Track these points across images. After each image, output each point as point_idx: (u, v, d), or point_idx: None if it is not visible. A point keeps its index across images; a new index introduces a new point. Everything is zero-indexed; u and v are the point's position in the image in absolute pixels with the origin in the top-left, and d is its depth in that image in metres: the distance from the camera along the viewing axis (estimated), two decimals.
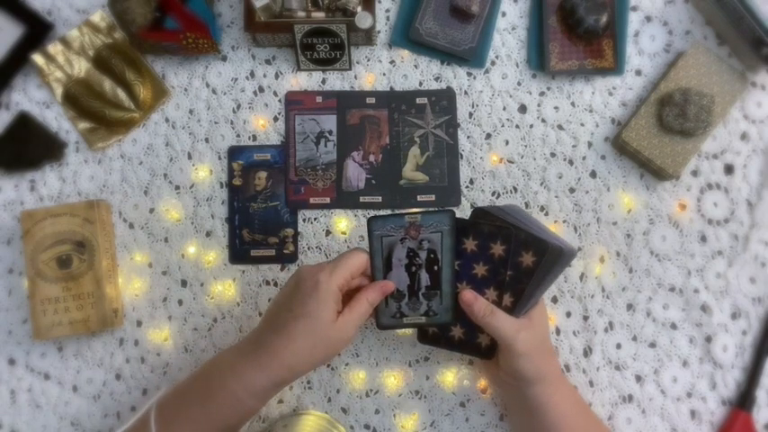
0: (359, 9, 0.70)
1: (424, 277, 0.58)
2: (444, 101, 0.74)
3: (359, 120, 0.74)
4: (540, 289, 0.60)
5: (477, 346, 0.62)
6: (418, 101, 0.74)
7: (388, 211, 0.73)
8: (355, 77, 0.75)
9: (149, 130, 0.75)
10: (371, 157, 0.74)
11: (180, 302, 0.73)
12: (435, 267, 0.58)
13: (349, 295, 0.57)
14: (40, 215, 0.70)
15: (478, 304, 0.58)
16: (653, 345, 0.70)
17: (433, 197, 0.73)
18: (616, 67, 0.72)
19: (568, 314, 0.71)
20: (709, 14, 0.72)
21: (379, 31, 0.75)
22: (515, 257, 0.57)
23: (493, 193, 0.73)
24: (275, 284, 0.73)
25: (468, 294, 0.58)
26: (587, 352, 0.70)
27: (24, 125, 0.75)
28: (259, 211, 0.73)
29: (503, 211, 0.60)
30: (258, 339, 0.56)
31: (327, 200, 0.73)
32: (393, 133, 0.74)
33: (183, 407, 0.57)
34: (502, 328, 0.57)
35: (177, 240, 0.74)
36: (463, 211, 0.72)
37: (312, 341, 0.54)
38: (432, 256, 0.58)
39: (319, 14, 0.71)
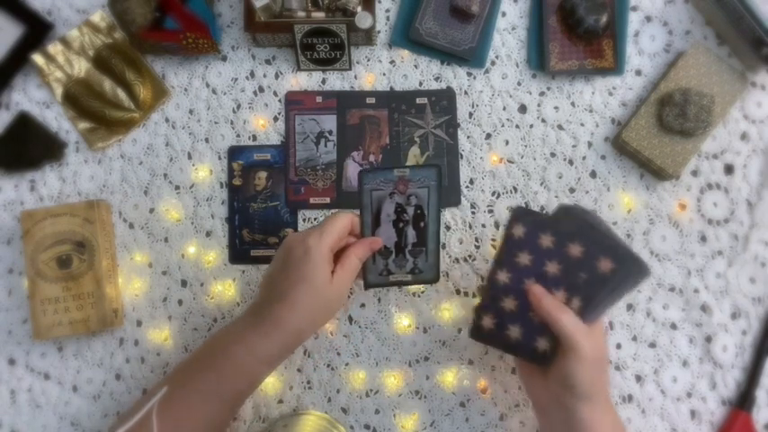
0: (359, 9, 0.70)
1: (411, 234, 0.60)
2: (444, 101, 0.74)
3: (359, 120, 0.74)
4: (610, 299, 0.55)
5: (533, 350, 0.56)
6: (418, 101, 0.74)
7: None
8: (355, 77, 0.75)
9: (149, 130, 0.75)
10: (371, 157, 0.74)
11: (180, 302, 0.73)
12: (422, 224, 0.60)
13: (336, 255, 0.59)
14: (40, 215, 0.70)
15: (548, 299, 0.54)
16: (653, 345, 0.70)
17: None
18: (616, 67, 0.72)
19: None
20: (710, 14, 0.72)
21: (379, 31, 0.75)
22: (592, 261, 0.54)
23: (493, 193, 0.73)
24: None
25: (538, 288, 0.55)
26: None
27: (24, 125, 0.75)
28: (259, 211, 0.73)
29: (586, 214, 0.57)
30: (260, 311, 0.57)
31: (327, 200, 0.73)
32: (393, 133, 0.74)
33: (188, 380, 0.57)
34: (572, 325, 0.52)
35: (177, 240, 0.74)
36: (463, 211, 0.72)
37: (313, 304, 0.55)
38: (419, 212, 0.60)
39: (319, 14, 0.71)
